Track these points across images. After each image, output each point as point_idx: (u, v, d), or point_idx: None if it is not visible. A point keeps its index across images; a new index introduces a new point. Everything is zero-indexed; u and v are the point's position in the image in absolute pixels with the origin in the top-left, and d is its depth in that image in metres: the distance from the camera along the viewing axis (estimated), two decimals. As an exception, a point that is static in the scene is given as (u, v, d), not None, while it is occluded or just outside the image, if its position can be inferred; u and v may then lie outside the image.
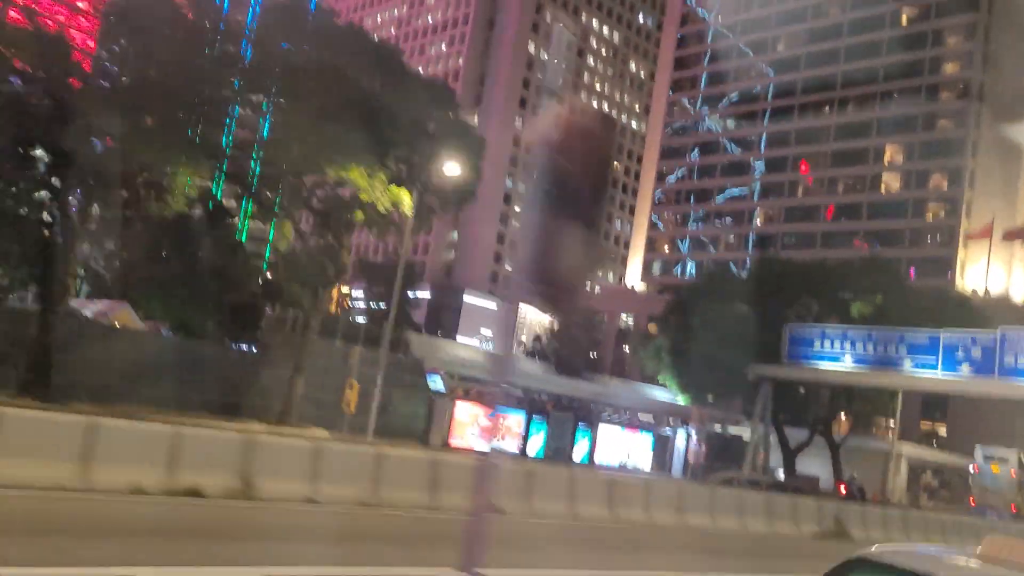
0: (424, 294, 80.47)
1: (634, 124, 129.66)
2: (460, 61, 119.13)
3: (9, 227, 22.43)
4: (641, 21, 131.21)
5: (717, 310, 44.89)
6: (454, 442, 31.36)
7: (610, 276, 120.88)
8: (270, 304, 32.74)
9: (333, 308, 41.12)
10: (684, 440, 40.64)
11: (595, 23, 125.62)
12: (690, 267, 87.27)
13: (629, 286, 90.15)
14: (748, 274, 51.22)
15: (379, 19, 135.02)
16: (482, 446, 32.35)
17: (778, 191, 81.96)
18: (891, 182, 74.03)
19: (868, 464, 49.44)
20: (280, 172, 25.09)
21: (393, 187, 25.18)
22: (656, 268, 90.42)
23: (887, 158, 74.66)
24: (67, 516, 10.98)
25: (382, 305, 45.59)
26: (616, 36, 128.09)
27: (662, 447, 39.38)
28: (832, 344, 40.54)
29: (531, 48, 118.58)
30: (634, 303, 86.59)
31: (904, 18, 75.02)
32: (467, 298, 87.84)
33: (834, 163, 77.22)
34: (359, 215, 27.20)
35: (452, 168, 28.38)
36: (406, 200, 26.28)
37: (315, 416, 29.04)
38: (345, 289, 54.12)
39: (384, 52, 28.98)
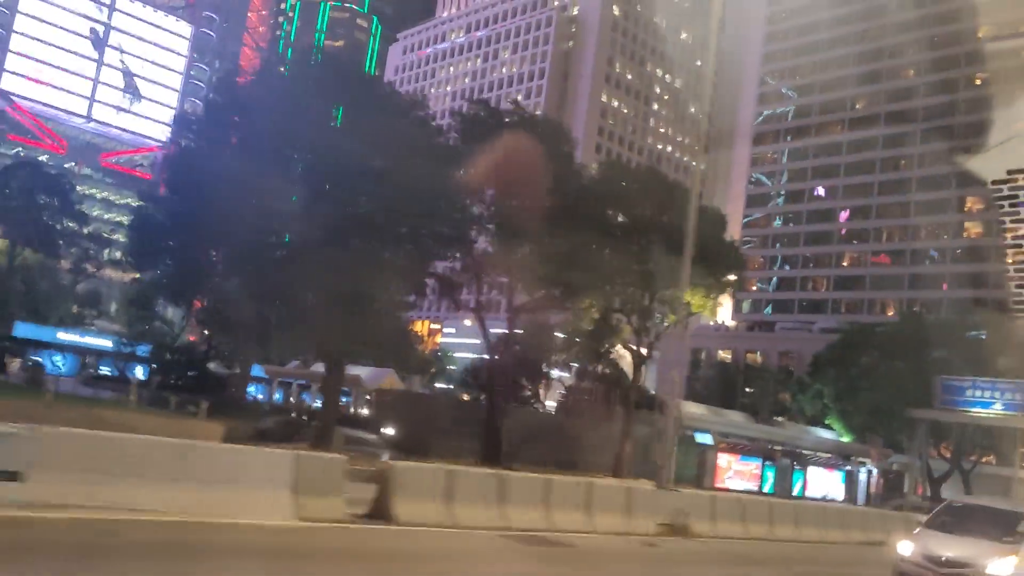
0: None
1: (695, 163, 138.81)
2: (538, 112, 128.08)
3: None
4: (699, 64, 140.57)
5: (869, 361, 53.91)
6: (718, 484, 39.88)
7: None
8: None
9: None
10: (865, 475, 49.29)
11: (658, 71, 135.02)
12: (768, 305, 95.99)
13: (720, 322, 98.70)
14: (890, 328, 59.91)
15: (451, 71, 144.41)
16: (737, 486, 41.05)
17: (863, 236, 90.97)
18: (973, 229, 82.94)
19: (989, 487, 58.00)
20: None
21: (712, 300, 34.01)
22: (745, 306, 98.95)
23: (967, 207, 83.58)
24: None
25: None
26: (677, 82, 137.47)
27: (849, 481, 47.94)
28: (983, 392, 49.14)
29: (604, 98, 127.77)
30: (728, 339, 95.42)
31: (977, 80, 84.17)
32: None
33: (916, 212, 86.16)
34: (671, 317, 36.11)
35: (731, 277, 37.48)
36: (711, 307, 35.19)
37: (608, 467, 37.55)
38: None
39: (679, 189, 37.45)
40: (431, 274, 33.66)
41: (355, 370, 53.54)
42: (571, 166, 32.25)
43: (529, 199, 29.55)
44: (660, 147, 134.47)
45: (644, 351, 37.48)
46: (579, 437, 37.50)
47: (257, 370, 62.18)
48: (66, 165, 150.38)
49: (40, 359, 57.99)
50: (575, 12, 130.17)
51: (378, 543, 10.42)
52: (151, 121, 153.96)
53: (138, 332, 58.65)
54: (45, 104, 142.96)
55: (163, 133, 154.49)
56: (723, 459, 40.24)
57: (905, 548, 12.33)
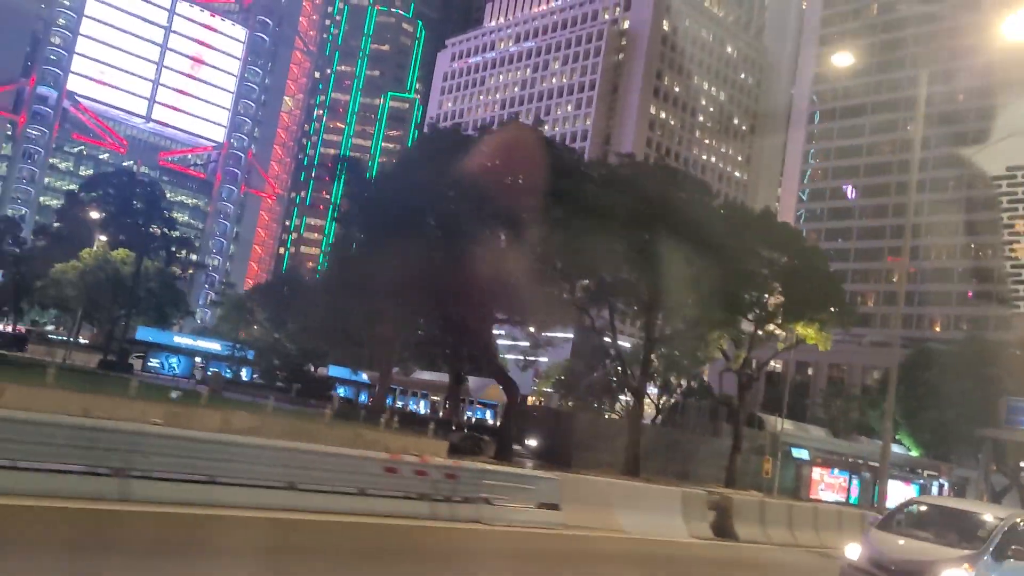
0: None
1: (737, 173, 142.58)
2: (588, 123, 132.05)
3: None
4: (742, 77, 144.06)
5: (934, 380, 57.67)
6: (812, 496, 43.83)
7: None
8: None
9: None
10: (936, 488, 53.15)
11: (705, 84, 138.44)
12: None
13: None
14: (952, 347, 63.70)
15: (500, 79, 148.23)
16: (829, 498, 44.98)
17: (912, 254, 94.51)
18: (1021, 251, 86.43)
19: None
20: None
21: (826, 334, 38.10)
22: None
23: (1017, 228, 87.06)
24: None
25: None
26: (722, 94, 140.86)
27: (923, 494, 51.77)
28: (1046, 413, 52.82)
29: (652, 110, 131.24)
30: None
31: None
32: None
33: (966, 232, 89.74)
34: (780, 345, 40.16)
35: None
36: (823, 339, 39.26)
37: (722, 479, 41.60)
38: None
39: (794, 233, 41.40)
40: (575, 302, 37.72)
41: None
42: (710, 213, 36.21)
43: (676, 241, 33.45)
44: (704, 158, 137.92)
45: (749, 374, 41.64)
46: (691, 450, 41.59)
47: (336, 371, 66.81)
48: (124, 164, 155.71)
49: (159, 361, 62.58)
50: (625, 26, 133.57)
51: (745, 555, 14.43)
52: (206, 122, 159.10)
53: (246, 337, 63.17)
54: (107, 105, 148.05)
55: (218, 133, 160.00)
56: (816, 473, 44.25)
57: (852, 551, 11.07)
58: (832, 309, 40.35)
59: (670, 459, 40.36)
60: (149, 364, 61.20)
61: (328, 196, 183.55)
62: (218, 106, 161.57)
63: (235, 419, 21.91)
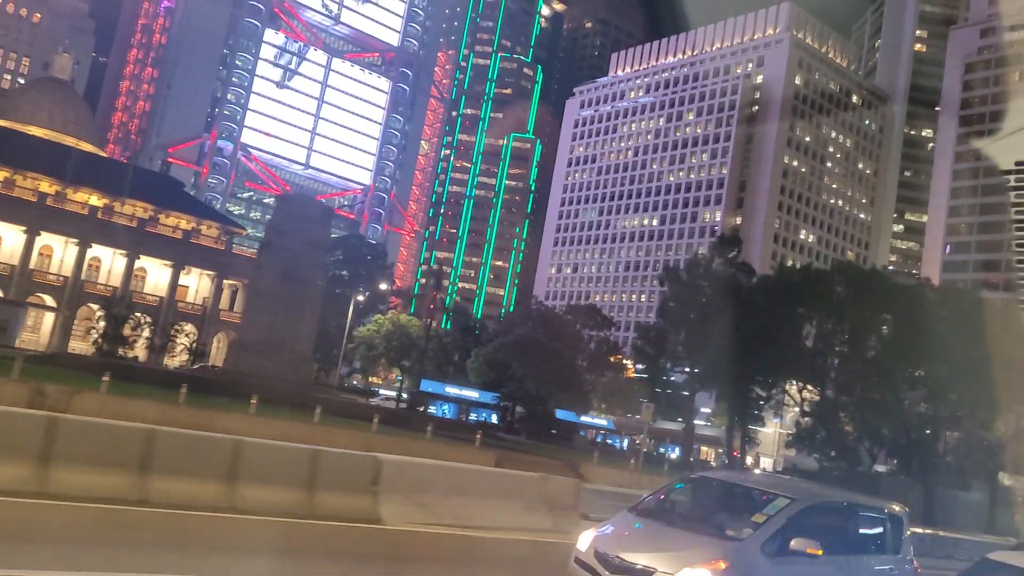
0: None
1: (861, 215, 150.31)
2: (724, 171, 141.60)
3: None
4: (867, 123, 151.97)
5: None
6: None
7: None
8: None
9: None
10: None
11: (833, 133, 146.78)
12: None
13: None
14: None
15: (632, 128, 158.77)
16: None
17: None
18: None
19: None
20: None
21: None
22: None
23: None
24: None
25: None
26: (848, 141, 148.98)
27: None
28: None
29: (785, 159, 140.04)
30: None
31: None
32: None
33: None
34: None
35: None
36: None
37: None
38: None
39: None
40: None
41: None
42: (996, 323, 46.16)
43: (971, 348, 43.26)
44: (832, 201, 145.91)
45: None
46: (947, 502, 51.36)
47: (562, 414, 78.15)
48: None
49: (434, 408, 74.74)
50: (759, 80, 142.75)
51: None
52: (355, 166, 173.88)
53: (505, 387, 74.90)
54: (272, 154, 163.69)
55: (365, 177, 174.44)
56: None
57: (584, 540, 8.83)
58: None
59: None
60: (428, 410, 73.33)
61: (454, 231, 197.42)
62: (365, 152, 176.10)
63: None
